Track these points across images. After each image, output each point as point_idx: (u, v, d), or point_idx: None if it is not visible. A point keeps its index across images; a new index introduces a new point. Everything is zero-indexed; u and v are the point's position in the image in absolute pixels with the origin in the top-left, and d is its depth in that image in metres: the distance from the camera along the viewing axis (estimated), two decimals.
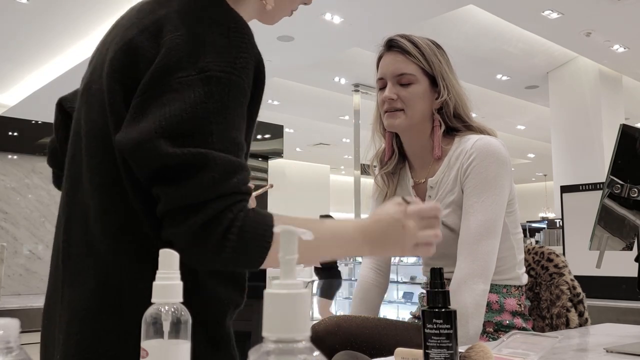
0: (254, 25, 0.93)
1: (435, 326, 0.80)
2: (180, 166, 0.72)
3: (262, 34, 1.00)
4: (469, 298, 1.25)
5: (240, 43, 0.80)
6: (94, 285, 0.81)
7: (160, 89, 0.76)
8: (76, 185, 0.89)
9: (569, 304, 1.48)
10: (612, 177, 1.20)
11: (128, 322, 0.78)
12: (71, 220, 0.87)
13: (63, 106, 1.04)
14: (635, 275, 1.26)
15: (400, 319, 1.60)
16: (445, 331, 0.80)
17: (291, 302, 0.41)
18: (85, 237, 0.84)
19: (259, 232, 0.74)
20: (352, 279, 8.62)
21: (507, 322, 1.37)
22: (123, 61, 0.83)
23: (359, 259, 8.13)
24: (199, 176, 0.72)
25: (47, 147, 1.07)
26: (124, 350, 0.78)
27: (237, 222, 0.73)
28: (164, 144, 0.72)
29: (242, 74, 0.79)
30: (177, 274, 0.58)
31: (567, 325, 1.46)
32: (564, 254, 2.40)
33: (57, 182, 1.04)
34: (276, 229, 0.46)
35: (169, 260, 0.58)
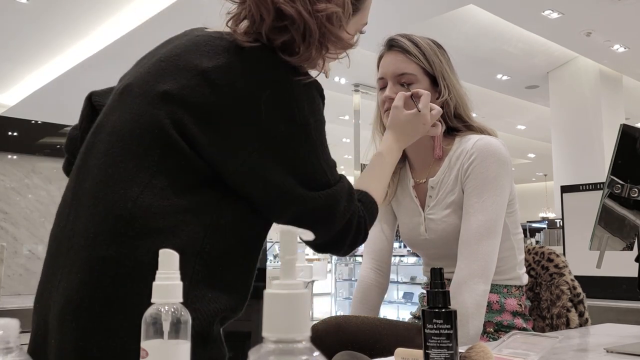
0: None
1: (435, 326, 0.80)
2: (320, 208, 0.90)
3: None
4: (469, 298, 1.25)
5: (312, 86, 0.93)
6: (90, 276, 0.82)
7: (274, 143, 0.89)
8: (86, 176, 0.90)
9: (569, 304, 1.48)
10: (612, 177, 1.20)
11: (121, 315, 0.81)
12: (77, 210, 0.89)
13: (91, 100, 1.06)
14: (636, 275, 1.25)
15: (400, 319, 1.59)
16: (446, 331, 0.80)
17: (291, 302, 0.41)
18: (88, 228, 0.85)
19: (373, 211, 1.03)
20: (352, 279, 8.61)
21: (507, 322, 1.37)
22: (194, 88, 0.88)
23: (359, 259, 8.13)
24: (336, 211, 0.92)
25: (67, 133, 1.10)
26: (116, 341, 0.80)
27: (363, 217, 0.98)
28: (300, 190, 0.89)
29: (322, 112, 0.94)
30: (177, 274, 0.58)
31: (568, 325, 1.46)
32: (564, 254, 2.39)
33: (68, 168, 1.07)
34: (277, 229, 0.46)
35: (168, 260, 0.58)
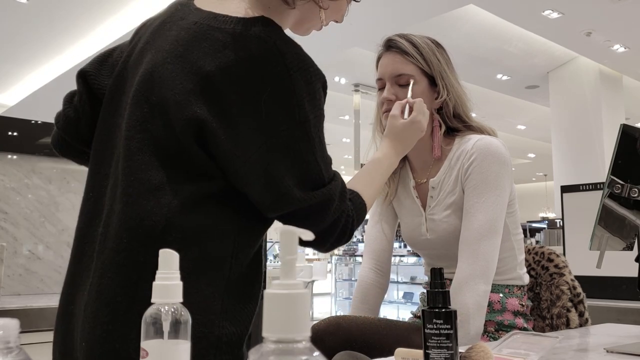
0: None
1: (435, 326, 0.80)
2: (314, 207, 0.89)
3: None
4: (470, 298, 1.25)
5: (316, 79, 0.91)
6: (126, 278, 0.84)
7: (270, 143, 0.88)
8: (116, 182, 0.91)
9: (570, 304, 1.48)
10: (612, 177, 1.20)
11: None
12: (109, 215, 0.89)
13: (87, 81, 1.04)
14: (636, 275, 1.25)
15: (400, 319, 1.59)
16: (446, 331, 0.80)
17: (291, 302, 0.41)
18: (121, 233, 0.86)
19: (362, 213, 1.01)
20: (352, 279, 8.61)
21: (508, 321, 1.37)
22: (200, 94, 0.87)
23: (359, 259, 8.14)
24: (328, 210, 0.91)
25: (56, 117, 1.09)
26: None
27: (351, 217, 0.96)
28: (297, 191, 0.88)
29: (322, 106, 0.93)
30: (177, 274, 0.58)
31: (568, 325, 1.46)
32: (564, 254, 2.39)
33: (62, 148, 1.09)
34: (278, 229, 0.47)
35: (168, 260, 0.58)
